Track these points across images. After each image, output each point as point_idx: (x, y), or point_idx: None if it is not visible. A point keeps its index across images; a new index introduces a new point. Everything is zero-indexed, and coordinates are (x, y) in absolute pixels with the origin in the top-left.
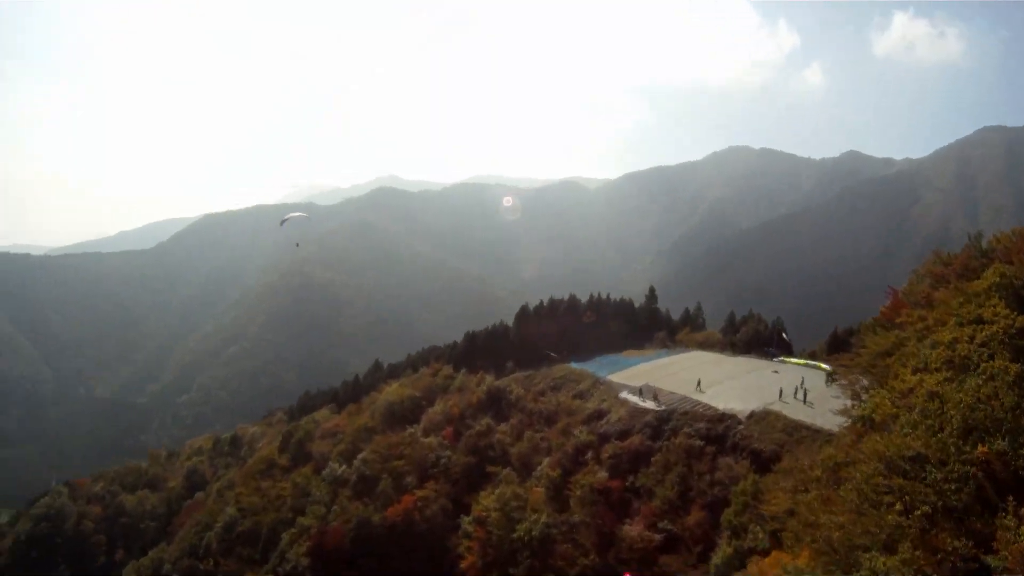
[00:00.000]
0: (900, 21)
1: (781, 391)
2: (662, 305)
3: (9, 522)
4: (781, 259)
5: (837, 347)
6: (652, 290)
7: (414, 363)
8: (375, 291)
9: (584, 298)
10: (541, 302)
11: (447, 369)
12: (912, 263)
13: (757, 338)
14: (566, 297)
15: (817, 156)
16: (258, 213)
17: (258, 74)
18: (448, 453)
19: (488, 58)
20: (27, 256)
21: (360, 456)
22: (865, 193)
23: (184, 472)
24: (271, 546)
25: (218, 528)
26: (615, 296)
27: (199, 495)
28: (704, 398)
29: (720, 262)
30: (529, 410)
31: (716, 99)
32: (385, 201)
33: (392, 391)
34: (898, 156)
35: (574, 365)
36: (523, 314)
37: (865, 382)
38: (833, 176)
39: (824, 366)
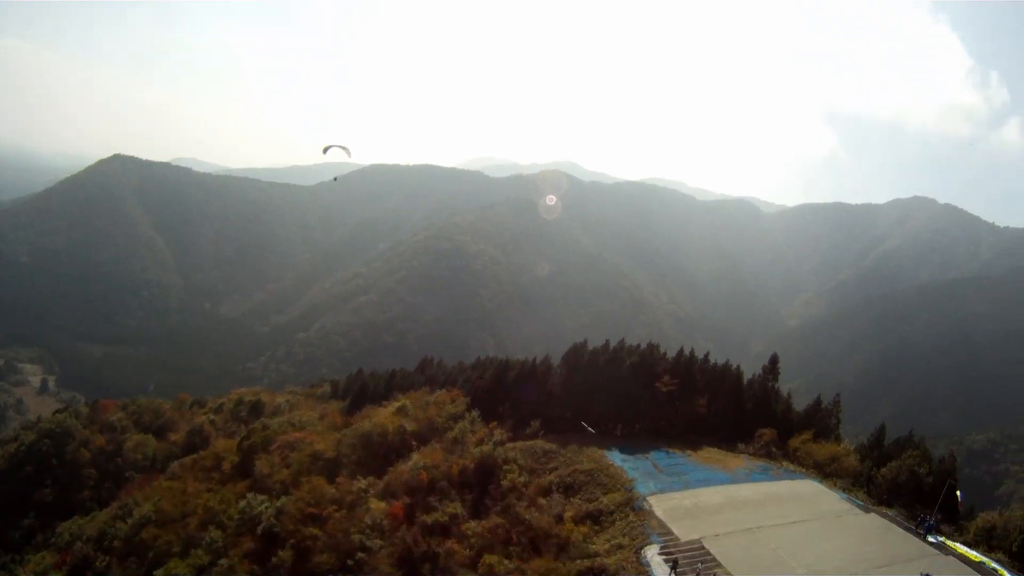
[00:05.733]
0: None
1: None
2: (797, 363)
3: (26, 426)
4: (946, 326)
5: None
6: (774, 361)
7: (454, 376)
8: (524, 272)
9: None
10: (607, 343)
11: (462, 404)
12: None
13: (913, 482)
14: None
15: (1002, 223)
16: (426, 173)
17: (472, 42)
18: (378, 542)
19: (687, 67)
20: (188, 171)
21: (279, 502)
22: None
23: (188, 429)
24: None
25: (132, 522)
26: (771, 328)
27: (173, 465)
28: None
29: (878, 314)
30: (515, 515)
31: (910, 141)
32: (555, 184)
33: (382, 415)
34: None
35: (615, 457)
36: (574, 355)
37: None
38: (1015, 247)
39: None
